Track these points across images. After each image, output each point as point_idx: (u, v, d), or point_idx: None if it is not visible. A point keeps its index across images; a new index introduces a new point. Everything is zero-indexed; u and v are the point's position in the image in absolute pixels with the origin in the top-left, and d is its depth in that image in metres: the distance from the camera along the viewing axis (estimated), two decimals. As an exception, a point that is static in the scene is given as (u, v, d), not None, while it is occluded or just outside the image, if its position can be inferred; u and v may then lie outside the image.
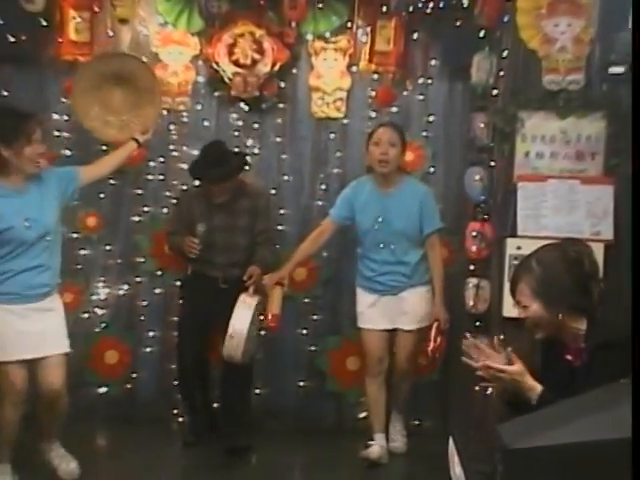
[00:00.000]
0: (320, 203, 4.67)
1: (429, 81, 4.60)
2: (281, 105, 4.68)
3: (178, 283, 4.64)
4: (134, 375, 4.74)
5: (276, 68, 4.57)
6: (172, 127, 4.67)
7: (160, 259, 4.70)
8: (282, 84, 4.64)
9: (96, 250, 4.72)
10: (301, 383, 4.70)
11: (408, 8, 4.47)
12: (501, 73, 3.97)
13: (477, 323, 3.98)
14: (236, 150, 4.47)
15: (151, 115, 4.22)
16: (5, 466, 3.56)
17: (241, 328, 3.82)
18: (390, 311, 4.11)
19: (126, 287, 4.74)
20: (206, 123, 4.68)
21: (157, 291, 4.74)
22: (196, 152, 4.42)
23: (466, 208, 4.24)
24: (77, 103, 4.23)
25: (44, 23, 4.47)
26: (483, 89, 4.07)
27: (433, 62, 4.59)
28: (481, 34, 4.10)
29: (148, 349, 4.73)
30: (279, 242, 4.61)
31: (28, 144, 3.39)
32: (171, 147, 4.68)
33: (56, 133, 4.59)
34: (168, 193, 4.68)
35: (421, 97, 4.61)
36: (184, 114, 4.67)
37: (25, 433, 3.60)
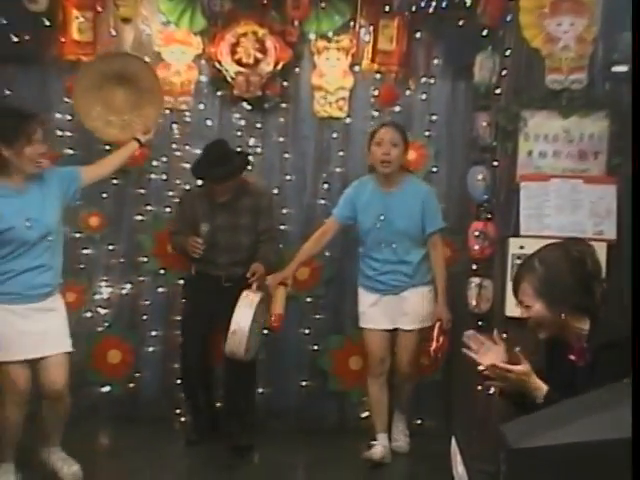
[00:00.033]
0: (323, 202, 4.67)
1: (432, 80, 4.60)
2: (284, 104, 4.68)
3: (181, 282, 4.64)
4: (137, 374, 4.74)
5: (279, 67, 4.57)
6: (175, 126, 4.67)
7: (163, 258, 4.70)
8: (285, 83, 4.64)
9: (99, 249, 4.73)
10: (303, 383, 4.70)
11: (411, 7, 4.47)
12: (504, 72, 3.97)
13: (480, 322, 3.98)
14: (238, 149, 4.47)
15: (152, 115, 4.22)
16: (9, 465, 3.56)
17: (243, 324, 3.81)
18: (391, 311, 4.10)
19: (129, 286, 4.75)
20: (209, 122, 4.68)
21: (160, 290, 4.74)
22: (199, 152, 4.42)
23: (469, 207, 4.23)
24: (79, 103, 4.23)
25: (47, 23, 4.47)
26: (486, 88, 4.07)
27: (436, 61, 4.59)
28: (484, 33, 4.10)
29: (151, 348, 4.73)
30: (282, 241, 4.61)
31: (29, 144, 3.38)
32: (174, 146, 4.68)
33: (59, 132, 4.59)
34: (171, 193, 4.68)
35: (424, 96, 4.61)
36: (187, 113, 4.67)
37: (28, 438, 3.60)
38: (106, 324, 4.73)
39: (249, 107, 4.66)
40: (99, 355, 4.68)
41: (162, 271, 4.72)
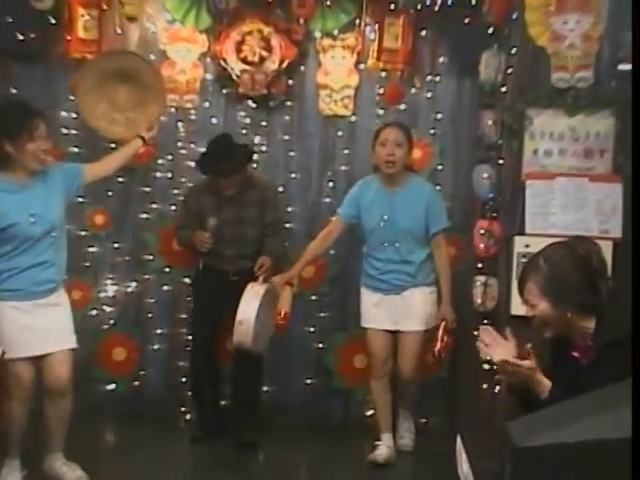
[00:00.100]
0: (327, 200, 4.68)
1: (437, 79, 4.60)
2: (289, 102, 4.68)
3: (186, 280, 4.65)
4: (142, 372, 4.76)
5: (284, 65, 4.58)
6: (180, 125, 4.68)
7: (168, 256, 4.71)
8: (290, 81, 4.65)
9: (104, 247, 4.74)
10: (308, 380, 4.71)
11: (416, 5, 4.48)
12: (509, 70, 3.96)
13: (485, 321, 3.97)
14: (243, 143, 4.47)
15: (156, 112, 4.23)
16: (14, 462, 3.56)
17: (249, 314, 3.80)
18: (393, 311, 4.08)
19: (134, 284, 4.76)
20: (214, 121, 4.68)
21: (165, 288, 4.75)
22: (204, 150, 4.42)
23: (474, 206, 4.23)
24: (82, 102, 4.24)
25: (53, 21, 4.49)
26: (491, 86, 4.06)
27: (441, 59, 4.59)
28: (489, 31, 4.09)
29: (156, 346, 4.75)
30: (287, 239, 4.62)
31: (31, 140, 3.38)
32: (179, 145, 4.70)
33: (64, 131, 4.61)
34: (176, 191, 4.69)
35: (429, 95, 4.61)
36: (192, 112, 4.68)
37: (32, 445, 3.60)
38: (111, 322, 4.74)
39: (254, 105, 4.67)
40: (104, 353, 4.69)
41: (167, 269, 4.73)
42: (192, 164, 4.53)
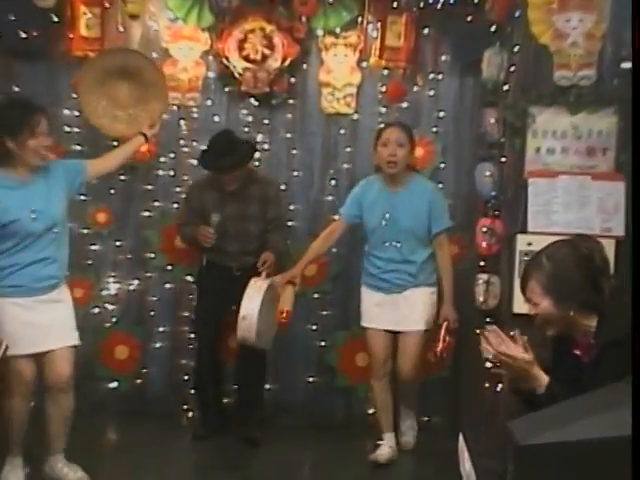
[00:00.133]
0: (330, 198, 4.67)
1: (440, 77, 4.59)
2: (291, 101, 4.68)
3: (189, 278, 4.66)
4: (144, 370, 4.76)
5: (286, 63, 4.57)
6: (182, 123, 4.68)
7: (170, 254, 4.71)
8: (292, 79, 4.64)
9: (106, 245, 4.74)
10: (310, 378, 4.71)
11: (419, 3, 4.47)
12: (512, 68, 3.96)
13: (487, 319, 3.97)
14: (245, 138, 4.46)
15: (158, 109, 4.23)
16: (17, 459, 3.56)
17: (252, 309, 3.80)
18: (394, 311, 4.07)
19: (136, 282, 4.76)
20: (216, 119, 4.68)
21: (167, 286, 4.76)
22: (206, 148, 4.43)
23: (476, 204, 4.22)
24: (84, 99, 4.25)
25: (55, 19, 4.49)
26: (494, 84, 4.05)
27: (444, 57, 4.57)
28: (492, 29, 4.09)
29: (158, 344, 4.75)
30: (289, 237, 4.61)
31: (32, 136, 3.38)
32: (181, 142, 4.69)
33: (67, 129, 4.61)
34: (178, 189, 4.69)
35: (431, 93, 4.60)
36: (194, 110, 4.68)
37: (33, 446, 3.61)
38: (113, 320, 4.74)
39: (256, 103, 4.66)
40: (106, 351, 4.70)
41: (169, 267, 4.74)
42: (194, 162, 4.53)
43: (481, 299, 3.99)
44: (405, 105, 4.60)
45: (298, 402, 4.70)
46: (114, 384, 4.72)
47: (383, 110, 4.61)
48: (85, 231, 4.67)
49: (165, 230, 4.69)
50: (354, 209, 4.17)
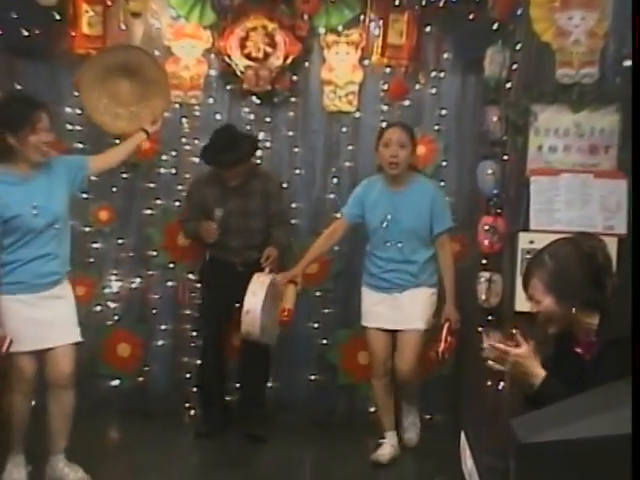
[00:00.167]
0: (332, 196, 4.68)
1: (442, 74, 4.59)
2: (293, 99, 4.68)
3: (191, 276, 4.66)
4: (146, 368, 4.76)
5: (288, 61, 4.57)
6: (184, 121, 4.68)
7: (172, 252, 4.71)
8: (294, 77, 4.64)
9: (108, 243, 4.74)
10: (312, 376, 4.72)
11: (421, 1, 4.47)
12: (514, 66, 3.95)
13: (489, 317, 3.97)
14: (247, 133, 4.46)
15: (159, 106, 4.23)
16: (19, 457, 3.57)
17: (255, 303, 3.80)
18: (394, 310, 4.06)
19: (138, 280, 4.77)
20: (218, 117, 4.68)
21: (169, 284, 4.76)
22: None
23: (478, 202, 4.22)
24: (85, 97, 4.26)
25: (57, 17, 4.49)
26: (496, 82, 4.05)
27: (446, 55, 4.57)
28: (494, 27, 4.09)
29: (160, 342, 4.75)
30: (291, 235, 4.61)
31: (33, 132, 3.38)
32: (183, 141, 4.69)
33: (69, 127, 4.61)
34: (180, 186, 4.69)
35: (433, 91, 4.60)
36: (196, 108, 4.68)
37: (34, 446, 3.61)
38: (116, 318, 4.75)
39: (258, 101, 4.66)
40: (109, 349, 4.70)
41: (171, 265, 4.74)
42: (196, 160, 4.54)
43: (483, 297, 3.98)
44: (407, 103, 4.60)
45: (300, 400, 4.70)
46: (116, 382, 4.73)
47: (385, 108, 4.61)
48: (87, 229, 4.67)
49: (167, 228, 4.70)
50: (356, 209, 4.17)
